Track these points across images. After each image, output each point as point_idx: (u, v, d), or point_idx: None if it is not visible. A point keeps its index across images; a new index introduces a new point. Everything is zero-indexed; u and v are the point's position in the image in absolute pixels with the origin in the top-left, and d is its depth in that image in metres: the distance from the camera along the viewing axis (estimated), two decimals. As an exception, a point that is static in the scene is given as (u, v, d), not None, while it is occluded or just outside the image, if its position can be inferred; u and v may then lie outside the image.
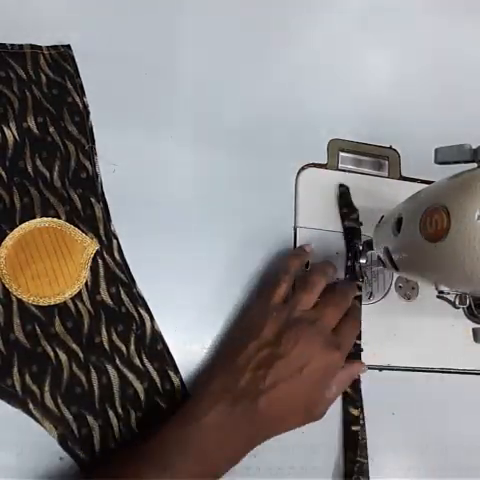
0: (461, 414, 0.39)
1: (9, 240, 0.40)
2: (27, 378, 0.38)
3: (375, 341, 0.46)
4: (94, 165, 0.44)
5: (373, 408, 0.44)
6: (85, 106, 0.45)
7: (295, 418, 0.38)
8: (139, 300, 0.42)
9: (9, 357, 0.38)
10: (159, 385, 0.40)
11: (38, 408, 0.37)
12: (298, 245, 0.47)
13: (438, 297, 0.36)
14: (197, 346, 0.43)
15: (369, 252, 0.46)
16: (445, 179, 0.35)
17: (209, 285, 0.44)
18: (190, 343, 0.43)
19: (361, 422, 0.43)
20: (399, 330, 0.44)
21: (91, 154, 0.44)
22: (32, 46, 0.46)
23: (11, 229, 0.41)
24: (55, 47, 0.47)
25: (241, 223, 0.47)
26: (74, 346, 0.39)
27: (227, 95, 0.50)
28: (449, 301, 0.36)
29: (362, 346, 0.45)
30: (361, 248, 0.46)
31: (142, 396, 0.39)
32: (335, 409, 0.44)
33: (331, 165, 0.51)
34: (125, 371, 0.40)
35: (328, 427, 0.43)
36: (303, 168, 0.50)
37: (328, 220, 0.49)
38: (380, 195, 0.50)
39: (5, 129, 0.43)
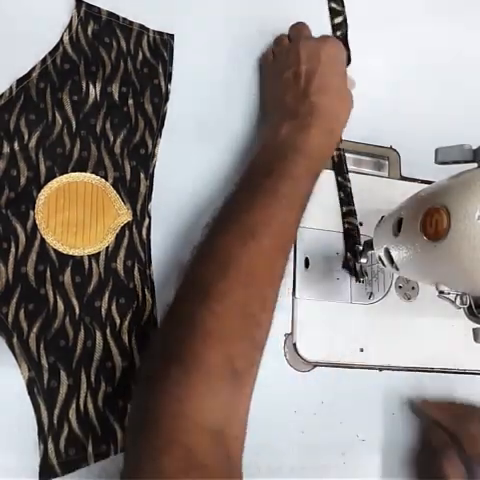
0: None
1: (55, 182, 0.42)
2: (21, 313, 0.39)
3: (375, 341, 0.46)
4: (155, 146, 0.46)
5: (374, 408, 0.44)
6: (167, 92, 0.48)
7: (345, 104, 0.46)
8: (148, 282, 0.43)
9: (13, 287, 0.39)
10: (137, 369, 0.40)
11: (20, 345, 0.38)
12: (298, 245, 0.47)
13: (438, 297, 0.36)
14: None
15: (369, 252, 0.46)
16: (445, 179, 0.35)
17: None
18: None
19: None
20: (399, 330, 0.44)
21: (156, 136, 0.46)
22: (141, 26, 0.49)
23: (61, 174, 0.43)
24: (160, 33, 0.50)
25: (241, 223, 0.46)
26: (74, 300, 0.40)
27: (227, 95, 0.50)
28: (450, 301, 0.36)
29: (362, 347, 0.45)
30: (361, 248, 0.46)
31: (118, 373, 0.40)
32: (335, 412, 0.44)
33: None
34: (111, 343, 0.40)
35: (328, 427, 0.43)
36: (303, 168, 0.50)
37: (328, 220, 0.49)
38: (380, 195, 0.50)
39: (91, 86, 0.45)
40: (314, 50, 0.45)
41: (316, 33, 0.49)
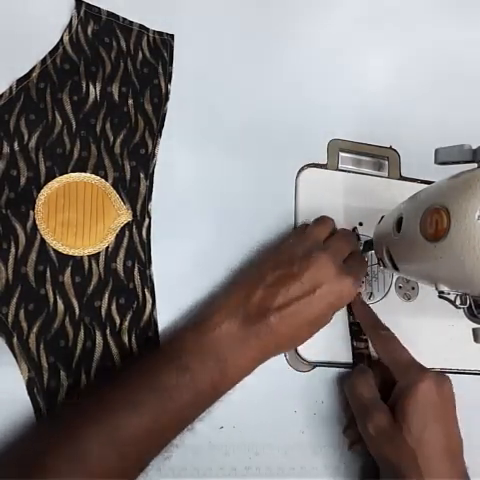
0: (461, 414, 0.39)
1: (55, 182, 0.42)
2: (21, 313, 0.39)
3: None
4: (155, 146, 0.46)
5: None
6: (167, 92, 0.48)
7: (304, 335, 0.40)
8: (148, 282, 0.43)
9: (13, 287, 0.39)
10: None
11: (20, 345, 0.38)
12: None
13: (438, 297, 0.36)
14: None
15: (369, 252, 0.46)
16: (445, 179, 0.35)
17: (209, 286, 0.44)
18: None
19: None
20: (399, 330, 0.44)
21: (156, 136, 0.46)
22: (141, 26, 0.49)
23: (61, 174, 0.43)
24: (160, 33, 0.50)
25: (241, 223, 0.47)
26: (74, 300, 0.40)
27: (227, 95, 0.50)
28: (449, 301, 0.36)
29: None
30: (361, 248, 0.46)
31: None
32: (335, 412, 0.44)
33: (331, 165, 0.51)
34: (111, 343, 0.40)
35: (328, 427, 0.43)
36: (303, 168, 0.50)
37: (328, 220, 0.49)
38: (380, 195, 0.50)
39: (91, 86, 0.45)
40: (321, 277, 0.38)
41: (313, 32, 0.48)
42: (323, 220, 0.44)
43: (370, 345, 0.44)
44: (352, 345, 0.45)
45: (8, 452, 0.34)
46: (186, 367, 0.35)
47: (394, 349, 0.41)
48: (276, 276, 0.38)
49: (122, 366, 0.39)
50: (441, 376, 0.39)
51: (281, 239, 0.46)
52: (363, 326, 0.44)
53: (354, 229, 0.48)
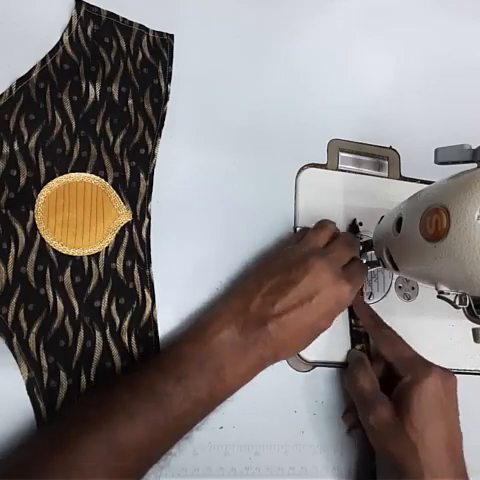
0: (461, 414, 0.39)
1: (55, 182, 0.42)
2: (21, 313, 0.39)
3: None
4: (155, 146, 0.46)
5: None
6: (167, 92, 0.48)
7: (303, 342, 0.40)
8: (148, 282, 0.43)
9: (13, 288, 0.39)
10: None
11: (20, 345, 0.38)
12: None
13: (438, 297, 0.36)
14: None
15: (369, 252, 0.46)
16: (445, 179, 0.35)
17: (209, 285, 0.44)
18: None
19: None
20: (399, 330, 0.44)
21: (156, 136, 0.46)
22: (141, 26, 0.49)
23: (61, 174, 0.43)
24: (160, 33, 0.49)
25: (241, 223, 0.47)
26: (74, 301, 0.40)
27: (227, 95, 0.50)
28: (449, 301, 0.36)
29: (362, 346, 0.45)
30: (361, 248, 0.46)
31: (118, 373, 0.40)
32: (335, 412, 0.44)
33: (331, 165, 0.51)
34: (111, 343, 0.40)
35: (328, 427, 0.43)
36: (303, 168, 0.50)
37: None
38: (380, 195, 0.50)
39: (90, 86, 0.45)
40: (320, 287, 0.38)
41: (313, 32, 0.48)
42: (323, 225, 0.44)
43: (371, 344, 0.45)
44: (352, 346, 0.45)
45: (5, 460, 0.34)
46: (183, 375, 0.35)
47: (398, 346, 0.42)
48: (274, 283, 0.38)
49: (121, 373, 0.39)
50: (446, 372, 0.39)
51: (281, 243, 0.46)
52: (365, 326, 0.44)
53: (354, 221, 0.48)
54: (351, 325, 0.45)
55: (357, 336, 0.45)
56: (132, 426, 0.33)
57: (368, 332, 0.44)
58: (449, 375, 0.39)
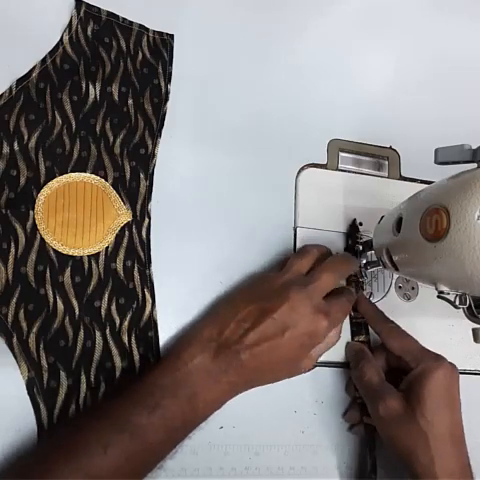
0: (461, 414, 0.39)
1: (55, 182, 0.42)
2: (21, 313, 0.39)
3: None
4: (155, 146, 0.46)
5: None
6: (167, 92, 0.48)
7: (279, 372, 0.40)
8: (148, 282, 0.43)
9: (13, 287, 0.39)
10: (137, 370, 0.41)
11: (20, 345, 0.38)
12: (298, 245, 0.47)
13: (438, 297, 0.36)
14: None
15: (369, 252, 0.46)
16: (445, 179, 0.35)
17: (208, 285, 0.44)
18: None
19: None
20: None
21: (156, 136, 0.46)
22: (141, 26, 0.49)
23: (61, 174, 0.43)
24: (160, 33, 0.49)
25: (241, 223, 0.47)
26: (74, 301, 0.40)
27: (227, 95, 0.50)
28: (449, 301, 0.36)
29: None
30: (361, 248, 0.46)
31: (117, 373, 0.40)
32: (335, 412, 0.44)
33: (331, 165, 0.51)
34: (111, 343, 0.40)
35: (328, 427, 0.43)
36: (303, 168, 0.50)
37: (328, 220, 0.49)
38: (380, 195, 0.50)
39: (90, 86, 0.45)
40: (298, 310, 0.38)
41: (313, 32, 0.49)
42: (305, 250, 0.43)
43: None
44: (352, 337, 0.45)
45: None
46: (157, 404, 0.34)
47: (405, 339, 0.42)
48: (250, 310, 0.38)
49: (100, 401, 0.39)
50: (452, 364, 0.40)
51: (264, 270, 0.45)
52: (370, 320, 0.44)
53: (354, 221, 0.48)
54: (351, 317, 0.45)
55: (357, 328, 0.45)
56: (107, 457, 0.33)
57: (373, 327, 0.44)
58: (455, 368, 0.40)
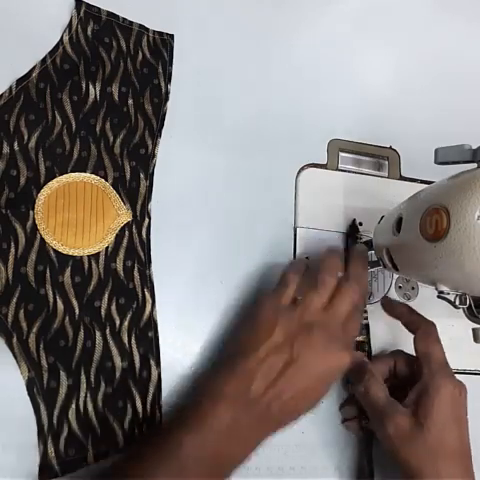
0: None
1: (55, 182, 0.42)
2: (21, 313, 0.39)
3: (375, 341, 0.46)
4: (155, 146, 0.46)
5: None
6: (167, 92, 0.48)
7: (303, 412, 0.38)
8: (148, 282, 0.43)
9: (13, 287, 0.39)
10: (137, 370, 0.41)
11: (20, 345, 0.38)
12: (298, 245, 0.47)
13: (438, 297, 0.36)
14: (196, 345, 0.43)
15: (369, 252, 0.46)
16: (445, 179, 0.35)
17: (208, 285, 0.44)
18: (189, 343, 0.43)
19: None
20: (399, 330, 0.44)
21: (156, 136, 0.46)
22: (141, 26, 0.49)
23: (61, 174, 0.43)
24: (160, 33, 0.49)
25: (241, 223, 0.47)
26: (74, 301, 0.40)
27: (227, 95, 0.50)
28: (449, 301, 0.36)
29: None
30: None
31: (117, 374, 0.40)
32: (335, 412, 0.44)
33: (331, 165, 0.51)
34: (111, 343, 0.40)
35: (328, 427, 0.43)
36: (303, 168, 0.50)
37: (328, 220, 0.49)
38: (380, 195, 0.50)
39: (90, 86, 0.45)
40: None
41: (313, 32, 0.48)
42: (322, 282, 0.39)
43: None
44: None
45: None
46: (183, 467, 0.34)
47: (432, 345, 0.41)
48: (274, 361, 0.36)
49: (124, 460, 0.37)
50: (461, 382, 0.39)
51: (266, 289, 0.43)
52: (408, 324, 0.43)
53: (354, 221, 0.48)
54: None
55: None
56: None
57: (403, 320, 0.44)
58: (464, 386, 0.40)
